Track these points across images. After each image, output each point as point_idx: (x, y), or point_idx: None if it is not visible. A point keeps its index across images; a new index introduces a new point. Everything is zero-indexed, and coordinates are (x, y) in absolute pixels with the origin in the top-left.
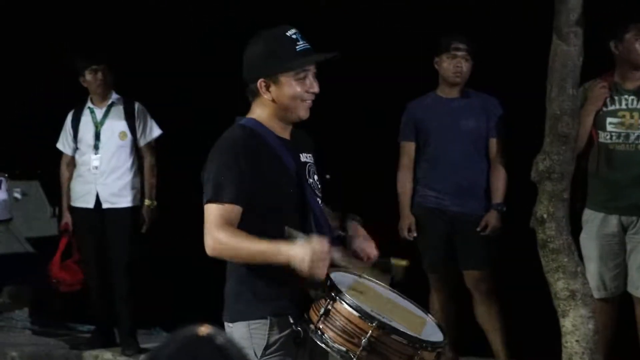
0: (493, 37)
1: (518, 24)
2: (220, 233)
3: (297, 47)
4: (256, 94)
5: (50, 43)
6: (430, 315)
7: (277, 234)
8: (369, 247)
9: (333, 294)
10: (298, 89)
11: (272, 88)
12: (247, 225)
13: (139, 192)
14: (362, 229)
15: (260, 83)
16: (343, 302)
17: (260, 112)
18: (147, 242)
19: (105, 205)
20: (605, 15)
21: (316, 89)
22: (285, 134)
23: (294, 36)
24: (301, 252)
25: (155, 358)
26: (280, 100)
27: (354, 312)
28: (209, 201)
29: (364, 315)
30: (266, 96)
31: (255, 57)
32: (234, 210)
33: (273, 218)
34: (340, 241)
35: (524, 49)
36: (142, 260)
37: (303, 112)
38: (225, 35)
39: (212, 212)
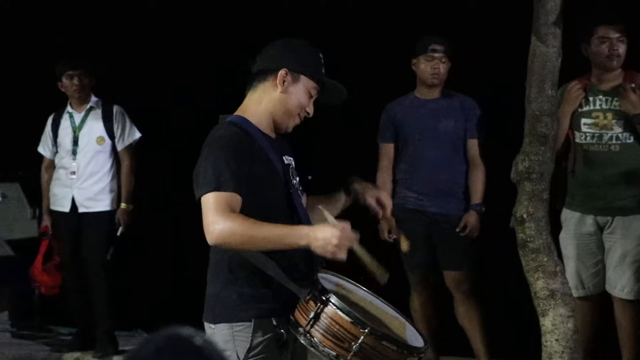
0: (472, 37)
1: (497, 25)
2: (228, 220)
3: (322, 68)
4: (264, 82)
5: (32, 45)
6: (408, 320)
7: None
8: (384, 196)
9: (324, 298)
10: (305, 100)
11: (289, 82)
12: None
13: (117, 196)
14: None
15: (283, 71)
16: (334, 307)
17: (254, 108)
18: (127, 245)
19: (81, 210)
20: (584, 16)
21: (311, 112)
22: (272, 134)
23: (322, 59)
24: (327, 233)
25: (133, 359)
26: (286, 99)
27: (346, 317)
28: (210, 191)
29: (356, 321)
30: (279, 86)
31: (290, 51)
32: (236, 198)
33: (264, 217)
34: None
35: (503, 50)
36: (122, 263)
37: (292, 125)
38: (215, 37)
39: (214, 200)
